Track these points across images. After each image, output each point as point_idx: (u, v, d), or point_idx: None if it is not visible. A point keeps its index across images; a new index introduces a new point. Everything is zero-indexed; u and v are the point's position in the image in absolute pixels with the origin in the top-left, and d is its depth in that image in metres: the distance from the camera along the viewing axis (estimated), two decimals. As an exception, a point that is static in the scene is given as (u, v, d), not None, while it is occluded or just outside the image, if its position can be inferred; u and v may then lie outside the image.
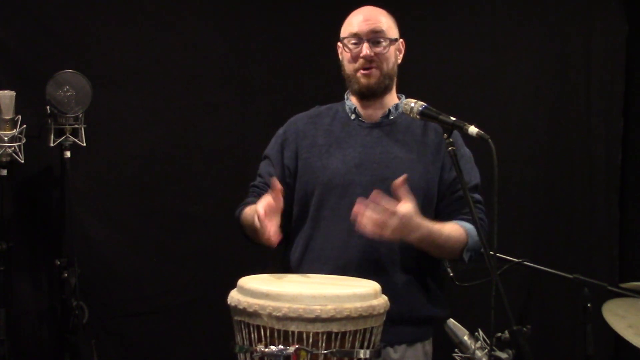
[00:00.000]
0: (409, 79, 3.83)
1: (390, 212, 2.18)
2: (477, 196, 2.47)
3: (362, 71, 2.49)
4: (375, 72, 2.49)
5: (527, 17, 4.42)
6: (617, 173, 4.55)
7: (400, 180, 2.22)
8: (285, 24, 4.11)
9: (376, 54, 2.47)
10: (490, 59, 4.37)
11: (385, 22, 2.51)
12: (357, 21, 2.50)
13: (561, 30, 4.46)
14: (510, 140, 4.33)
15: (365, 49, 2.46)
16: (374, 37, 2.47)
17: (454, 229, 2.41)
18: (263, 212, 2.19)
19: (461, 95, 4.27)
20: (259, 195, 2.54)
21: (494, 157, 2.10)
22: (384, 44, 2.48)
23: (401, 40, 2.56)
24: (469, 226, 2.43)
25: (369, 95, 2.52)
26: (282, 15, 4.10)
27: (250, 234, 2.45)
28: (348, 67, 2.52)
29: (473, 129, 2.17)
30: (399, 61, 2.56)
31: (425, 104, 2.32)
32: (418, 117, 2.32)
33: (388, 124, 2.53)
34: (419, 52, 4.17)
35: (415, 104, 2.32)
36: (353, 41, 2.49)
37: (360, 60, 2.48)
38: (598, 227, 4.52)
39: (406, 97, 2.41)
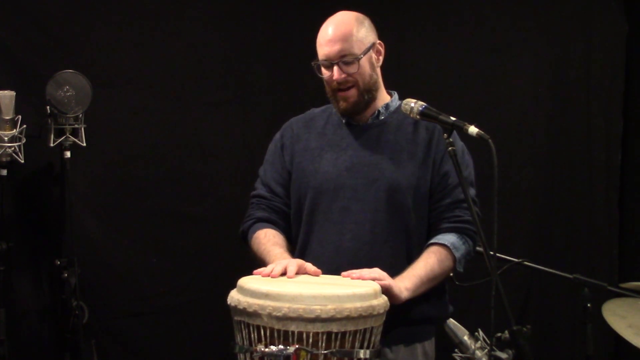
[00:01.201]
0: (409, 79, 3.85)
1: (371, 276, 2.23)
2: (462, 195, 2.41)
3: (339, 93, 2.46)
4: (352, 92, 2.46)
5: (527, 18, 4.42)
6: (617, 173, 4.55)
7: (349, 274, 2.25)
8: (285, 24, 4.11)
9: (348, 75, 2.43)
10: (490, 60, 4.37)
11: (354, 35, 2.43)
12: (324, 41, 2.43)
13: (561, 30, 4.46)
14: (510, 140, 4.33)
15: (336, 73, 2.42)
16: (343, 59, 2.42)
17: (434, 260, 2.39)
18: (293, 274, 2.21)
19: (461, 95, 4.27)
20: (268, 208, 2.55)
21: (494, 157, 2.10)
22: (354, 62, 2.42)
23: (379, 42, 2.50)
24: (451, 239, 2.43)
25: (352, 114, 2.52)
26: (282, 15, 4.10)
27: (258, 261, 2.46)
28: (327, 87, 2.50)
29: (473, 129, 2.17)
30: (380, 63, 2.51)
31: (425, 104, 2.32)
32: (418, 117, 2.32)
33: (378, 125, 2.52)
34: (420, 53, 4.20)
35: (415, 104, 2.32)
36: (324, 65, 2.45)
37: (334, 83, 2.45)
38: (598, 227, 4.52)
39: (406, 97, 2.40)
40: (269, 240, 2.46)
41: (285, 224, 2.55)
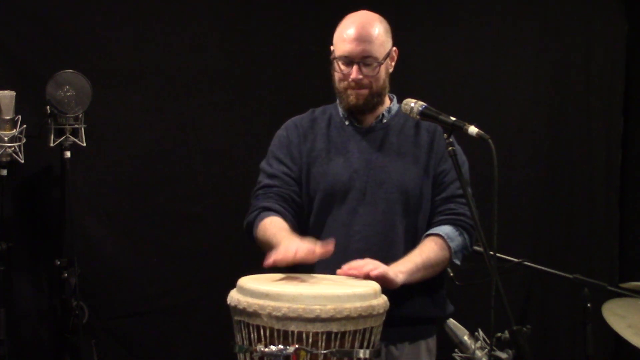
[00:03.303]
0: (409, 79, 3.85)
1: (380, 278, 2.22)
2: (460, 191, 2.42)
3: (350, 90, 2.47)
4: (364, 92, 2.46)
5: (527, 17, 4.42)
6: (617, 173, 4.55)
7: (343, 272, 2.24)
8: (285, 24, 4.11)
9: (366, 76, 2.44)
10: (490, 59, 4.37)
11: (378, 39, 2.44)
12: (349, 38, 2.43)
13: (561, 30, 4.46)
14: (510, 140, 4.33)
15: (355, 73, 2.43)
16: (364, 60, 2.43)
17: (429, 248, 2.39)
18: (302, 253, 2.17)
19: (461, 95, 4.27)
20: (276, 195, 2.50)
21: (493, 157, 2.11)
22: (374, 65, 2.44)
23: (394, 48, 2.52)
24: (446, 229, 2.43)
25: (358, 112, 2.52)
26: (282, 16, 4.10)
27: (264, 249, 2.41)
28: (338, 83, 2.50)
29: (473, 129, 2.18)
30: (391, 70, 2.53)
31: (425, 104, 2.32)
32: (418, 117, 2.32)
33: (382, 128, 2.53)
34: (420, 53, 4.19)
35: (415, 104, 2.32)
36: (344, 61, 2.45)
37: (350, 82, 2.45)
38: (598, 227, 4.52)
39: (406, 97, 2.40)
40: (275, 226, 2.40)
41: (293, 213, 2.50)
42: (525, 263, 3.35)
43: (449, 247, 2.41)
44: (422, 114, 2.31)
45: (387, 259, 2.36)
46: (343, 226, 2.43)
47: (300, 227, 2.51)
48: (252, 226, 2.50)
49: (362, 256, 2.37)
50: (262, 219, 2.46)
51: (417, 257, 2.37)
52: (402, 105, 2.37)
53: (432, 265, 2.39)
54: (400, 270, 2.30)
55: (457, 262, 2.46)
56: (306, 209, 2.52)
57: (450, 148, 2.24)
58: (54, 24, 3.72)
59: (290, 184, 2.52)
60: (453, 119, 2.24)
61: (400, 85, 2.64)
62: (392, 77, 2.57)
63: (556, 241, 4.47)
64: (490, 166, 2.12)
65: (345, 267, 2.26)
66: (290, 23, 4.11)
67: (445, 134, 2.26)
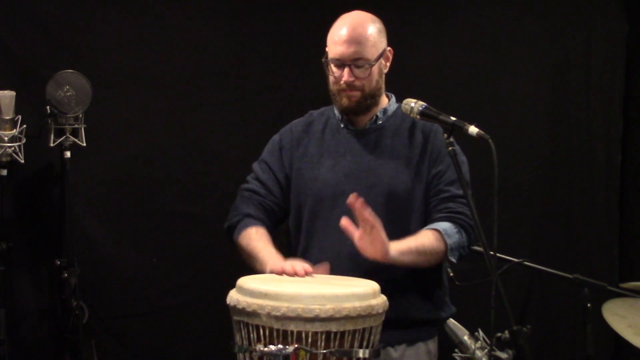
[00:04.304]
0: (409, 79, 3.85)
1: (370, 225, 2.20)
2: (459, 191, 2.41)
3: (343, 92, 2.47)
4: (356, 94, 2.46)
5: (527, 17, 4.42)
6: (617, 173, 4.55)
7: (354, 199, 2.21)
8: (285, 24, 4.11)
9: (357, 78, 2.44)
10: (490, 59, 4.37)
11: (369, 40, 2.43)
12: (340, 40, 2.43)
13: (561, 30, 4.46)
14: (510, 140, 4.32)
15: (346, 75, 2.43)
16: (355, 62, 2.42)
17: (424, 237, 2.37)
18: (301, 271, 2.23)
19: (461, 95, 4.26)
20: (259, 204, 2.55)
21: (494, 157, 2.11)
22: (365, 67, 2.43)
23: (389, 48, 2.51)
24: (444, 225, 2.39)
25: (351, 114, 2.52)
26: (282, 16, 4.10)
27: (246, 258, 2.46)
28: (332, 86, 2.50)
29: (473, 129, 2.18)
30: (386, 70, 2.53)
31: (425, 104, 2.32)
32: (418, 117, 2.32)
33: (376, 130, 2.53)
34: (420, 52, 4.20)
35: (415, 104, 2.32)
36: (335, 63, 2.45)
37: (342, 84, 2.45)
38: (598, 227, 4.52)
39: (406, 98, 2.40)
40: (261, 238, 2.45)
41: (272, 224, 2.55)
42: (525, 263, 3.35)
43: (445, 242, 2.37)
44: (422, 113, 2.31)
45: (379, 263, 2.33)
46: (335, 230, 2.40)
47: (294, 233, 2.55)
48: (233, 230, 2.54)
49: (355, 260, 2.35)
50: (247, 226, 2.50)
51: (410, 241, 2.34)
52: (402, 105, 2.37)
53: (425, 252, 2.35)
54: (392, 247, 2.27)
55: (454, 259, 2.43)
56: (299, 213, 2.53)
57: (450, 148, 2.24)
58: (54, 24, 3.72)
59: (275, 194, 2.56)
60: (453, 119, 2.25)
61: (400, 85, 2.64)
62: (392, 77, 2.57)
63: (556, 241, 4.47)
64: (491, 166, 2.12)
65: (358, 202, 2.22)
66: (290, 23, 4.11)
67: (445, 134, 2.26)
